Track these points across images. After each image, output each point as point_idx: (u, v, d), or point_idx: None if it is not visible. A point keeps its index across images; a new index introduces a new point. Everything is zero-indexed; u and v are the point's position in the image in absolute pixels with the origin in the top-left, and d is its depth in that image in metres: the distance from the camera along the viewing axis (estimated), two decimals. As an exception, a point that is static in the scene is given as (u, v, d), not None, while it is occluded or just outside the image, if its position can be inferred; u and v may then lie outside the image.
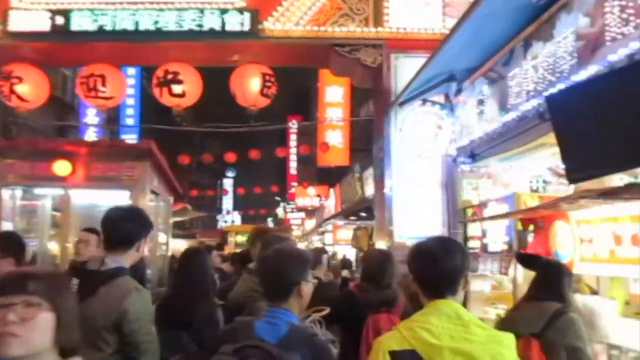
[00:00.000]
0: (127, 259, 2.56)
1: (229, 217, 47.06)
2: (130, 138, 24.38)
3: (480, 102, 6.12)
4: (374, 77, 7.79)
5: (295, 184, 32.34)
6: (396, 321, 3.10)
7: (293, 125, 34.65)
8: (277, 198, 43.82)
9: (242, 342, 1.84)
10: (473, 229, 6.94)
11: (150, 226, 2.77)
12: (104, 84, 7.39)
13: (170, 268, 7.44)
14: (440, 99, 7.38)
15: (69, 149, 5.88)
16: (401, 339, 1.78)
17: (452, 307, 1.84)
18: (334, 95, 18.37)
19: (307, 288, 2.15)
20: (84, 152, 5.84)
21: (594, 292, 4.27)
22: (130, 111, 24.75)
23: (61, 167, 5.73)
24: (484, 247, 6.50)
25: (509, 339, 1.83)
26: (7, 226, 6.21)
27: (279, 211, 43.53)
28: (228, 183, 51.87)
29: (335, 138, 18.33)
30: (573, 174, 3.85)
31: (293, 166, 35.04)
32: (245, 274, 3.75)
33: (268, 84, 7.84)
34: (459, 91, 6.94)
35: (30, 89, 7.66)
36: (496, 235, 6.17)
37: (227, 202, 54.25)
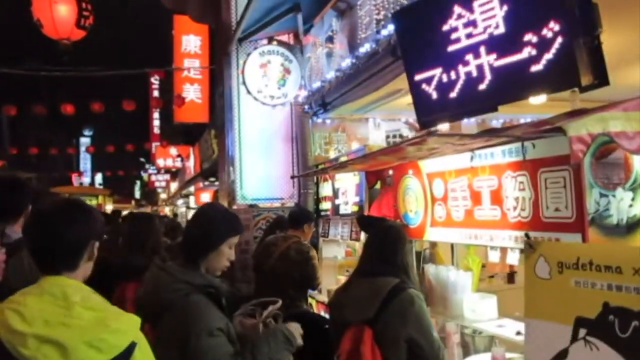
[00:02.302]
0: None
1: (86, 179, 43.08)
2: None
3: (330, 39, 5.23)
4: (213, 10, 6.55)
5: (158, 143, 30.26)
6: None
7: (156, 80, 32.54)
8: (142, 159, 41.26)
9: None
10: (325, 189, 6.18)
11: None
12: None
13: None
14: (290, 39, 6.38)
15: None
16: None
17: (61, 285, 1.51)
18: (191, 44, 16.90)
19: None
20: None
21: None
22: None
23: None
24: (336, 209, 5.81)
25: (121, 321, 1.48)
26: None
27: (144, 173, 41.04)
28: (85, 142, 47.68)
29: (193, 92, 17.01)
30: (426, 116, 3.10)
31: (156, 124, 32.92)
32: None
33: (85, 12, 6.21)
34: (308, 29, 5.98)
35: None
36: (348, 195, 5.46)
37: (86, 162, 49.95)
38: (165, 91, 27.31)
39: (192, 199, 21.61)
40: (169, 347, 1.90)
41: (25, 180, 2.78)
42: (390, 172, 3.79)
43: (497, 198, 2.67)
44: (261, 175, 6.58)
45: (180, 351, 1.90)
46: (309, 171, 5.31)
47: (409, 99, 3.47)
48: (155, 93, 29.68)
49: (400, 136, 6.10)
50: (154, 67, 31.12)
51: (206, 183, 17.16)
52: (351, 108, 5.78)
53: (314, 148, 6.51)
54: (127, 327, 1.49)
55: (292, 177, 6.23)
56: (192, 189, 20.48)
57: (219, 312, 2.00)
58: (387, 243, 2.57)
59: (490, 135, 2.22)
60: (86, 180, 40.91)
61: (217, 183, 14.65)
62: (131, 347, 1.45)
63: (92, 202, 17.19)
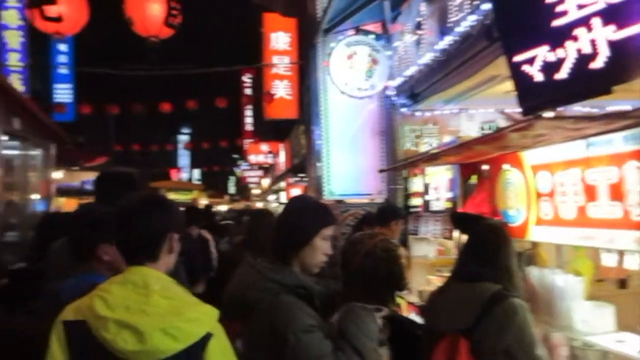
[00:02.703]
0: None
1: (184, 174, 45.22)
2: (63, 88, 22.50)
3: (418, 26, 4.93)
4: (299, 3, 6.45)
5: (250, 140, 31.13)
6: None
7: (248, 79, 33.46)
8: (235, 155, 42.70)
9: None
10: (415, 185, 5.90)
11: None
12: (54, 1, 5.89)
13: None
14: (377, 28, 6.13)
15: None
16: (78, 308, 1.54)
17: (143, 274, 1.56)
18: (280, 41, 17.04)
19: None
20: None
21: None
22: (63, 58, 22.59)
23: None
24: (427, 206, 5.54)
25: (196, 311, 1.52)
26: None
27: (237, 169, 42.46)
28: (184, 140, 50.08)
29: (282, 89, 17.16)
30: (528, 101, 2.76)
31: (248, 122, 33.89)
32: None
33: (174, 11, 6.32)
34: (395, 17, 5.71)
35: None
36: (439, 191, 5.17)
37: (184, 159, 52.54)
38: (257, 88, 28.00)
39: (282, 194, 21.84)
40: (258, 349, 1.82)
41: (135, 176, 2.92)
42: (486, 165, 3.47)
43: (617, 193, 2.30)
44: (348, 170, 6.42)
45: (272, 353, 1.77)
46: (397, 164, 5.05)
47: (505, 86, 3.15)
48: (247, 91, 30.52)
49: (498, 128, 5.68)
50: (244, 64, 32.09)
51: (296, 179, 17.29)
52: (442, 98, 5.45)
53: (403, 142, 6.23)
54: (203, 317, 1.53)
55: (380, 171, 6.00)
56: (282, 184, 20.73)
57: (310, 310, 1.86)
58: (487, 244, 2.29)
59: (613, 118, 1.87)
60: (184, 175, 42.93)
61: (306, 179, 14.73)
62: (206, 338, 1.49)
63: (187, 196, 17.90)
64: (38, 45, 22.37)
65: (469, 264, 2.31)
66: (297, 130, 14.63)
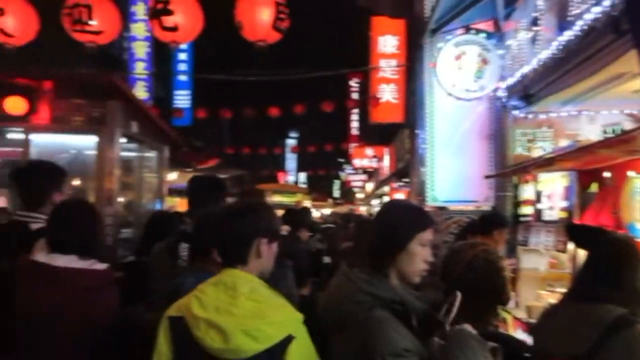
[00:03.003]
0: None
1: (291, 177, 46.36)
2: (182, 94, 23.98)
3: (534, 22, 4.61)
4: (406, 3, 6.31)
5: (355, 144, 31.26)
6: None
7: (356, 84, 33.68)
8: (341, 159, 43.11)
9: None
10: (526, 192, 5.55)
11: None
12: (90, 16, 6.29)
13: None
14: (488, 26, 5.83)
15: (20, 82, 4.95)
16: (180, 305, 1.67)
17: (233, 276, 1.67)
18: (387, 45, 16.94)
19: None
20: (36, 87, 4.91)
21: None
22: (182, 66, 24.09)
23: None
24: (538, 215, 5.19)
25: (279, 314, 1.59)
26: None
27: (342, 173, 42.82)
28: (291, 143, 51.41)
29: (388, 92, 17.04)
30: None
31: (354, 126, 34.09)
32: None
33: (282, 15, 6.44)
34: (508, 14, 5.39)
35: (15, 22, 6.71)
36: (553, 199, 4.81)
37: (291, 162, 53.94)
38: (363, 92, 28.04)
39: (386, 199, 21.69)
40: None
41: (221, 179, 3.02)
42: (609, 172, 3.14)
43: None
44: (453, 175, 6.17)
45: None
46: (507, 169, 4.74)
47: (633, 85, 2.81)
48: (354, 95, 30.68)
49: (622, 132, 5.16)
50: (351, 69, 32.30)
51: (400, 183, 17.10)
52: (559, 99, 5.05)
53: (514, 146, 5.87)
54: (285, 320, 1.58)
55: (487, 177, 5.70)
56: (386, 189, 20.60)
57: (405, 330, 1.67)
58: (611, 261, 2.03)
59: None
60: (291, 178, 43.97)
61: (410, 183, 14.49)
62: (287, 340, 1.54)
63: (291, 199, 18.28)
64: (161, 55, 24.15)
65: (589, 283, 2.05)
66: (402, 134, 14.45)
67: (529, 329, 4.87)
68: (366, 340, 1.62)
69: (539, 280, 5.61)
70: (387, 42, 16.84)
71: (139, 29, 19.87)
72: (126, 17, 20.62)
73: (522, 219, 5.79)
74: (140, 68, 20.02)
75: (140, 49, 20.33)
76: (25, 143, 5.01)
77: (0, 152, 6.21)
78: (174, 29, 6.20)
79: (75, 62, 5.35)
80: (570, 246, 4.46)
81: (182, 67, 23.92)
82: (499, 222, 4.19)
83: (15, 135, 5.40)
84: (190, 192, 2.87)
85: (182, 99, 23.61)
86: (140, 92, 20.11)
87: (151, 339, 1.68)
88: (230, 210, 1.80)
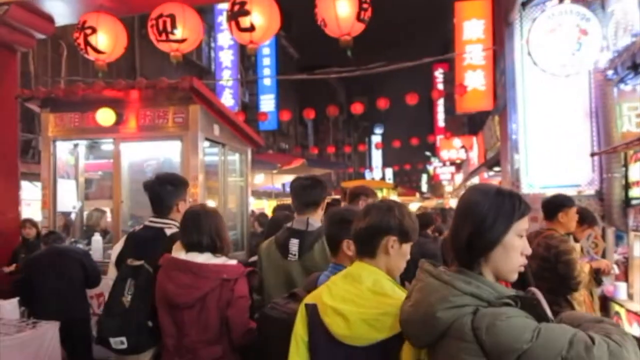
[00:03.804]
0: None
1: (377, 173, 45.97)
2: (267, 99, 24.49)
3: (643, -20, 4.09)
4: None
5: (442, 136, 30.47)
6: None
7: (440, 74, 32.84)
8: (427, 153, 42.34)
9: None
10: (637, 172, 5.01)
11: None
12: (174, 25, 6.46)
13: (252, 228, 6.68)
14: (586, -7, 5.30)
15: (100, 94, 5.14)
16: (315, 294, 1.86)
17: (360, 269, 1.81)
18: (473, 30, 16.25)
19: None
20: (116, 97, 5.09)
21: None
22: (267, 71, 24.59)
23: (103, 117, 5.02)
24: None
25: (398, 307, 1.57)
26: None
27: (430, 167, 41.96)
28: (377, 140, 51.09)
29: (475, 79, 16.32)
30: None
31: (440, 118, 33.36)
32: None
33: (364, 5, 6.23)
34: (612, -23, 4.86)
35: (105, 39, 7.03)
36: (673, 178, 4.27)
37: (377, 158, 53.65)
38: (449, 83, 27.24)
39: (476, 191, 20.89)
40: None
41: (321, 179, 3.17)
42: None
43: None
44: (551, 159, 5.68)
45: None
46: (617, 145, 4.25)
47: None
48: (440, 86, 29.89)
49: None
50: (434, 60, 31.50)
51: (491, 173, 16.36)
52: (675, 67, 4.48)
53: (620, 123, 5.30)
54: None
55: (592, 155, 5.18)
56: (476, 179, 19.80)
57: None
58: None
59: None
60: (377, 174, 43.60)
61: (501, 172, 13.78)
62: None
63: (378, 195, 17.98)
64: (245, 62, 24.79)
65: None
66: (491, 121, 13.74)
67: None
68: (498, 340, 1.33)
69: (655, 270, 5.09)
70: (473, 27, 16.20)
71: (224, 39, 20.55)
72: (213, 28, 21.45)
73: (633, 202, 5.24)
74: (226, 76, 20.66)
75: (226, 58, 21.02)
76: (116, 153, 5.23)
77: (97, 165, 6.57)
78: (250, 29, 6.20)
79: (169, 75, 5.49)
80: (698, 231, 3.93)
81: (267, 72, 24.48)
82: (560, 202, 3.95)
83: (106, 146, 5.66)
84: (293, 192, 3.07)
85: (267, 103, 24.18)
86: (227, 99, 20.80)
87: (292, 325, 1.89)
88: (367, 208, 1.90)
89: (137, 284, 2.73)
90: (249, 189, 6.51)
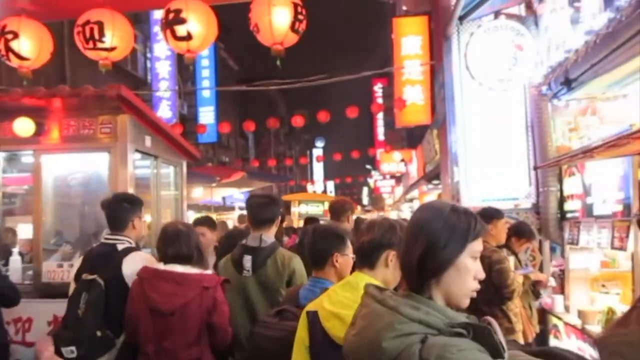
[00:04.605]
0: None
1: (319, 186, 46.09)
2: (206, 111, 24.02)
3: (575, -2, 4.18)
4: (430, -7, 5.93)
5: (382, 149, 30.94)
6: None
7: (379, 89, 33.39)
8: (368, 166, 42.88)
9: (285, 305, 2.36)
10: (572, 186, 5.12)
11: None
12: (102, 33, 6.08)
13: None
14: (521, 9, 5.41)
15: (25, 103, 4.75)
16: (316, 302, 2.02)
17: (359, 279, 1.93)
18: (410, 46, 16.63)
19: (342, 259, 2.35)
20: (37, 105, 4.72)
21: None
22: (206, 83, 24.12)
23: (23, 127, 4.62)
24: (588, 210, 4.80)
25: None
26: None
27: (370, 180, 42.52)
28: (318, 153, 51.35)
29: (414, 94, 16.68)
30: None
31: (380, 132, 33.91)
32: None
33: (300, 16, 6.09)
34: (544, -6, 4.97)
35: (28, 44, 6.55)
36: (606, 191, 4.38)
37: (318, 171, 53.84)
38: (388, 97, 27.75)
39: (416, 202, 21.34)
40: None
41: (276, 197, 3.40)
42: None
43: None
44: (491, 172, 5.74)
45: None
46: (558, 158, 4.30)
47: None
48: (380, 100, 30.38)
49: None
50: (376, 75, 32.05)
51: (430, 186, 16.73)
52: (605, 83, 4.60)
53: (555, 137, 5.43)
54: None
55: (535, 168, 5.26)
56: (415, 193, 20.17)
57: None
58: None
59: None
60: (319, 187, 43.72)
61: (441, 186, 14.01)
62: None
63: (319, 208, 17.96)
64: (184, 74, 24.24)
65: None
66: (430, 135, 13.98)
67: (590, 338, 4.44)
68: None
69: (590, 281, 5.21)
70: (410, 43, 16.55)
71: (160, 49, 20.00)
72: (149, 38, 20.84)
73: (568, 215, 5.36)
74: (163, 87, 20.09)
75: (163, 69, 20.46)
76: (37, 166, 4.83)
77: (18, 179, 6.09)
78: (187, 37, 5.94)
79: (101, 86, 5.15)
80: (630, 243, 4.01)
81: (205, 84, 24.01)
82: (489, 215, 4.07)
83: (28, 159, 5.23)
84: (249, 209, 3.26)
85: (206, 115, 23.70)
86: (164, 111, 20.21)
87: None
88: (370, 223, 2.06)
89: (90, 297, 2.86)
90: (185, 202, 6.23)
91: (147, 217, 5.35)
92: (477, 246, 1.41)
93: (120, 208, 3.23)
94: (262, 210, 3.18)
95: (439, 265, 1.38)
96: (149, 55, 21.66)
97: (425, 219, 1.43)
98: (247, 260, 3.05)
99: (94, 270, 2.97)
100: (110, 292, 2.89)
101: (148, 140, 5.17)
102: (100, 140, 4.72)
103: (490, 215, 4.08)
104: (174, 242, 2.86)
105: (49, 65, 6.58)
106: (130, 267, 2.95)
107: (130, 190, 4.62)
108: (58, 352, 2.85)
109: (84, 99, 4.62)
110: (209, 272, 2.93)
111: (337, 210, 4.33)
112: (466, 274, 1.40)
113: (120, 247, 3.12)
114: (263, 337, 2.29)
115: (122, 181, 4.57)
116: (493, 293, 3.80)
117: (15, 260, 4.93)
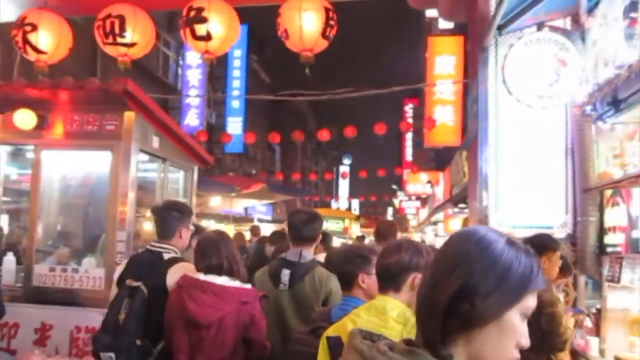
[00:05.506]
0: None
1: (343, 203, 45.68)
2: (234, 121, 23.98)
3: (632, 7, 3.74)
4: (467, 4, 5.54)
5: (409, 170, 30.55)
6: None
7: (409, 109, 33.09)
8: (394, 186, 42.54)
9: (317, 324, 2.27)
10: (614, 216, 4.66)
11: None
12: (123, 28, 5.85)
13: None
14: (565, 24, 4.98)
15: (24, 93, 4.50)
16: (337, 326, 1.94)
17: (385, 303, 1.89)
18: (444, 65, 16.45)
19: (369, 280, 2.27)
20: (40, 97, 4.46)
21: None
22: (236, 93, 24.09)
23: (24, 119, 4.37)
24: (633, 245, 4.43)
25: None
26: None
27: (395, 200, 42.11)
28: (344, 169, 51.16)
29: (445, 114, 16.41)
30: None
31: (408, 152, 33.61)
32: None
33: (331, 22, 5.77)
34: (593, 7, 4.54)
35: (47, 38, 6.37)
36: (655, 226, 3.90)
37: (343, 188, 53.52)
38: (418, 118, 27.40)
39: (440, 226, 20.91)
40: None
41: (319, 214, 3.36)
42: None
43: None
44: (523, 197, 5.28)
45: None
46: (599, 185, 3.84)
47: None
48: (409, 120, 30.07)
49: None
50: (407, 95, 31.70)
51: (455, 210, 16.35)
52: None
53: (597, 163, 4.95)
54: None
55: (584, 191, 4.76)
56: (440, 216, 19.78)
57: None
58: None
59: None
60: (343, 204, 43.43)
61: (467, 210, 13.52)
62: None
63: (339, 224, 17.58)
64: (214, 83, 24.27)
65: None
66: (459, 156, 13.56)
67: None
68: None
69: (629, 323, 4.73)
70: (444, 62, 16.36)
71: (192, 57, 20.04)
72: (182, 46, 20.89)
73: (609, 249, 4.87)
74: (193, 94, 20.08)
75: (194, 77, 20.50)
76: (37, 162, 4.56)
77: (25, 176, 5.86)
78: (206, 37, 5.66)
79: None
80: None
81: (235, 94, 23.99)
82: (545, 245, 3.44)
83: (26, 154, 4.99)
84: (291, 225, 3.24)
85: (234, 126, 23.64)
86: (192, 118, 20.18)
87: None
88: (395, 245, 2.01)
89: (132, 304, 2.84)
90: (194, 209, 5.91)
91: (149, 223, 5.05)
92: (532, 301, 1.02)
93: (170, 216, 3.23)
94: (305, 228, 3.19)
95: (477, 318, 0.97)
96: (180, 62, 21.73)
97: (467, 249, 1.01)
98: (285, 274, 3.07)
99: (138, 276, 2.96)
100: (152, 301, 2.87)
101: (156, 141, 4.87)
102: (103, 137, 4.43)
103: (544, 245, 3.43)
104: (212, 253, 2.86)
105: (79, 67, 6.37)
106: (175, 277, 2.93)
107: (132, 194, 4.32)
108: (96, 355, 2.85)
109: (88, 92, 4.34)
110: (248, 286, 2.91)
111: (384, 232, 4.48)
112: (510, 337, 1.00)
113: (166, 256, 3.12)
114: (300, 354, 2.26)
115: (123, 183, 4.27)
116: (540, 339, 3.15)
117: (9, 260, 4.66)
